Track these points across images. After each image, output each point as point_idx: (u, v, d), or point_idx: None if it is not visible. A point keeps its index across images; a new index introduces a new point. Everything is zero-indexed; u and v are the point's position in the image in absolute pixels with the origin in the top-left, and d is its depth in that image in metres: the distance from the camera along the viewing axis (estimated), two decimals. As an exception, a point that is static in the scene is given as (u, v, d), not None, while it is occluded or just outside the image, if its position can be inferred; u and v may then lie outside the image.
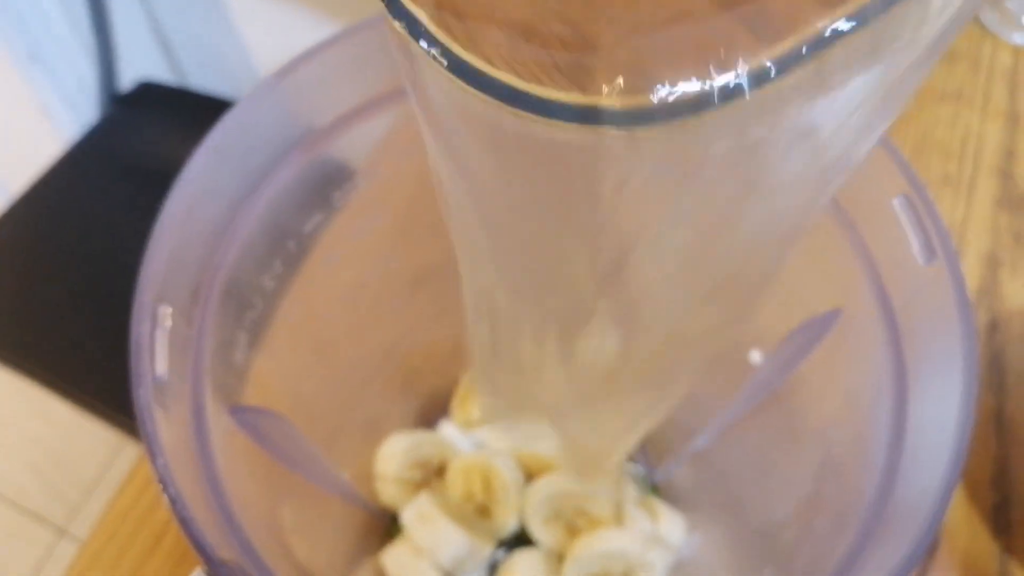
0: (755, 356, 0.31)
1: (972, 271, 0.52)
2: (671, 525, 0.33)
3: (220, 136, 0.22)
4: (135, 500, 0.44)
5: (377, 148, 0.31)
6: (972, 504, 0.43)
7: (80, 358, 0.83)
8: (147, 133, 1.12)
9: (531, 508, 0.33)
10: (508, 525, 0.35)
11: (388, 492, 0.36)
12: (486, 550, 0.33)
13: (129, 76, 1.11)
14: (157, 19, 1.23)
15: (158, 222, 0.21)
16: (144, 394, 0.18)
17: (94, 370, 0.82)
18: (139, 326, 0.19)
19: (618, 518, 0.33)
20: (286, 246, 0.27)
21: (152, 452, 0.18)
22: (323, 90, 0.25)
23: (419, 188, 0.38)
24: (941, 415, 0.20)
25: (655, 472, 0.37)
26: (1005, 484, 0.44)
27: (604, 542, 0.31)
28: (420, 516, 0.32)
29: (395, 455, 0.36)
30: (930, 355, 0.22)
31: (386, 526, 0.37)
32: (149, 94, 1.09)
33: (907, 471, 0.21)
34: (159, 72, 1.27)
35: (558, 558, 0.33)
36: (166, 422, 0.20)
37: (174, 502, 0.18)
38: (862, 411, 0.24)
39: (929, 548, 0.42)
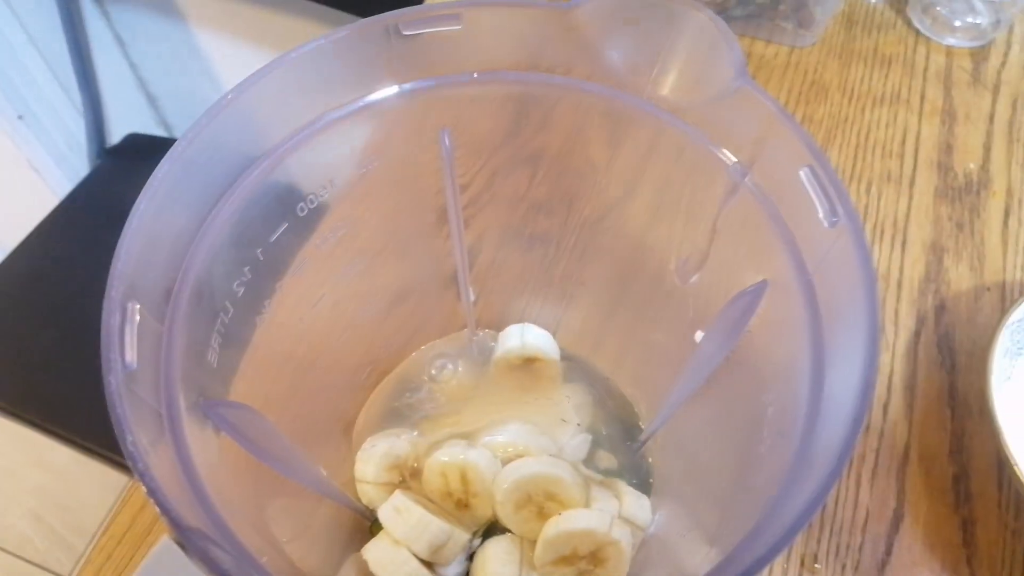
0: (700, 336, 0.32)
1: (918, 259, 0.54)
2: (636, 505, 0.35)
3: (184, 147, 0.24)
4: (131, 521, 0.45)
5: (343, 163, 0.33)
6: (932, 477, 0.45)
7: (78, 405, 0.84)
8: (136, 183, 1.14)
9: (501, 495, 0.34)
10: (487, 515, 0.36)
11: (368, 494, 0.38)
12: (464, 537, 0.34)
13: (117, 130, 1.15)
14: (142, 76, 1.27)
15: (127, 224, 0.23)
16: (114, 380, 0.20)
17: (92, 416, 0.83)
18: (109, 317, 0.21)
19: (585, 500, 0.34)
20: (253, 254, 0.29)
21: (122, 432, 0.20)
22: (281, 104, 0.28)
23: (391, 213, 0.40)
24: (852, 361, 0.22)
25: (621, 455, 0.39)
26: (962, 457, 0.46)
27: (571, 522, 0.33)
28: (395, 509, 0.34)
29: (371, 459, 0.38)
30: (840, 308, 0.24)
31: (371, 525, 0.38)
32: (137, 146, 1.12)
33: (825, 417, 0.23)
34: (146, 125, 1.31)
35: (531, 544, 0.35)
36: (136, 409, 0.21)
37: (143, 476, 0.19)
38: (790, 370, 0.26)
39: (894, 520, 0.43)
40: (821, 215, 0.24)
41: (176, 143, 0.24)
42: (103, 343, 0.21)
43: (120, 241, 0.22)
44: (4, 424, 0.84)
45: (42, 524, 1.12)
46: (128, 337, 0.21)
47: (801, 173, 0.24)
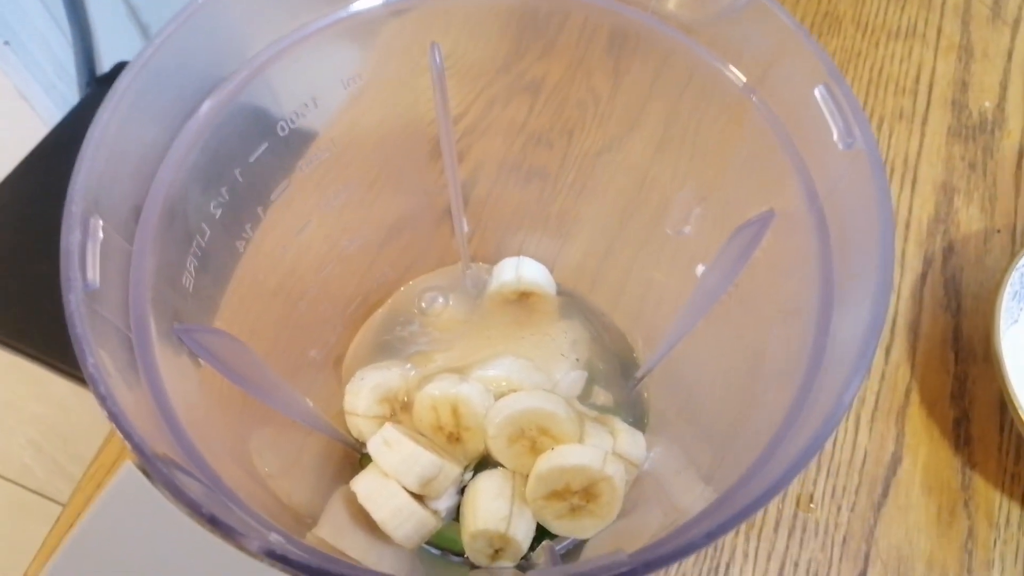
0: (701, 270, 0.31)
1: (928, 199, 0.53)
2: (630, 442, 0.34)
3: (151, 54, 0.23)
4: (121, 449, 0.45)
5: (327, 80, 0.31)
6: (932, 420, 0.44)
7: (75, 337, 0.84)
8: (129, 113, 1.12)
9: (494, 429, 0.34)
10: (479, 449, 0.35)
11: (358, 427, 0.37)
12: (455, 471, 0.34)
13: (107, 58, 1.11)
14: (133, 3, 1.23)
15: (88, 136, 0.21)
16: (74, 299, 0.19)
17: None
18: (69, 234, 0.20)
19: (578, 436, 0.33)
20: (231, 174, 0.27)
21: (82, 353, 0.19)
22: (258, 11, 0.26)
23: (382, 141, 0.39)
24: (862, 295, 0.21)
25: (616, 392, 0.38)
26: (964, 400, 0.45)
27: (564, 457, 0.32)
28: (385, 442, 0.33)
29: (361, 391, 0.37)
30: (852, 239, 0.22)
31: (361, 457, 0.38)
32: (128, 74, 1.08)
33: (831, 353, 0.22)
34: (137, 53, 1.27)
35: (523, 478, 0.34)
36: (100, 330, 0.20)
37: (104, 399, 0.18)
38: (795, 308, 0.25)
39: (892, 463, 0.42)
40: (836, 136, 0.22)
41: (141, 49, 0.22)
42: (62, 260, 0.19)
43: (80, 154, 0.21)
44: (1, 356, 0.83)
45: (42, 453, 1.12)
46: (90, 254, 0.20)
47: (816, 92, 0.23)
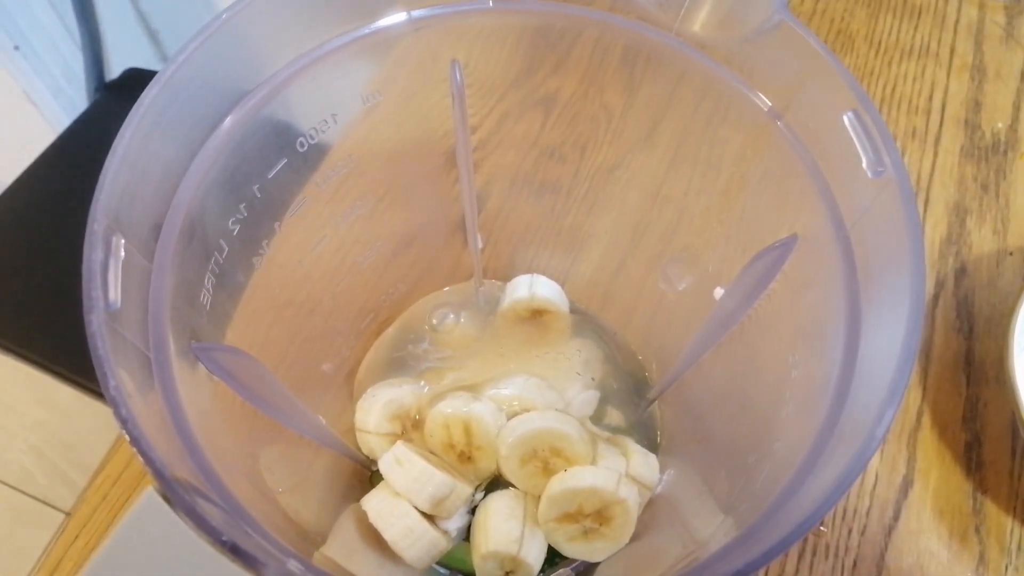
0: (719, 293, 0.31)
1: (940, 221, 0.52)
2: (643, 464, 0.34)
3: (174, 70, 0.22)
4: (128, 462, 0.45)
5: (346, 96, 0.31)
6: (944, 443, 0.44)
7: (79, 343, 0.83)
8: (136, 119, 1.12)
9: (506, 449, 0.33)
10: (491, 468, 0.35)
11: (369, 444, 0.37)
12: (466, 491, 0.33)
13: (116, 64, 1.11)
14: (142, 9, 1.23)
15: (111, 153, 0.21)
16: (96, 319, 0.19)
17: (94, 355, 0.82)
18: (91, 253, 0.19)
19: (591, 457, 0.33)
20: (250, 190, 0.27)
21: (104, 375, 0.18)
22: (280, 28, 0.26)
23: (397, 154, 0.39)
24: (891, 325, 0.21)
25: (629, 413, 0.37)
26: (976, 424, 0.44)
27: (577, 479, 0.31)
28: (397, 461, 0.33)
29: (373, 408, 0.37)
30: (880, 267, 0.22)
31: (371, 475, 0.37)
32: (137, 81, 1.08)
33: (859, 383, 0.21)
34: (147, 60, 1.27)
35: (535, 499, 0.34)
36: (120, 350, 0.20)
37: (125, 423, 0.18)
38: (820, 333, 0.24)
39: (903, 486, 0.42)
40: (865, 164, 0.22)
41: (164, 66, 0.22)
42: (84, 280, 0.19)
43: (103, 171, 0.20)
44: (5, 361, 0.83)
45: (44, 459, 1.12)
46: (112, 273, 0.20)
47: (844, 118, 0.22)
